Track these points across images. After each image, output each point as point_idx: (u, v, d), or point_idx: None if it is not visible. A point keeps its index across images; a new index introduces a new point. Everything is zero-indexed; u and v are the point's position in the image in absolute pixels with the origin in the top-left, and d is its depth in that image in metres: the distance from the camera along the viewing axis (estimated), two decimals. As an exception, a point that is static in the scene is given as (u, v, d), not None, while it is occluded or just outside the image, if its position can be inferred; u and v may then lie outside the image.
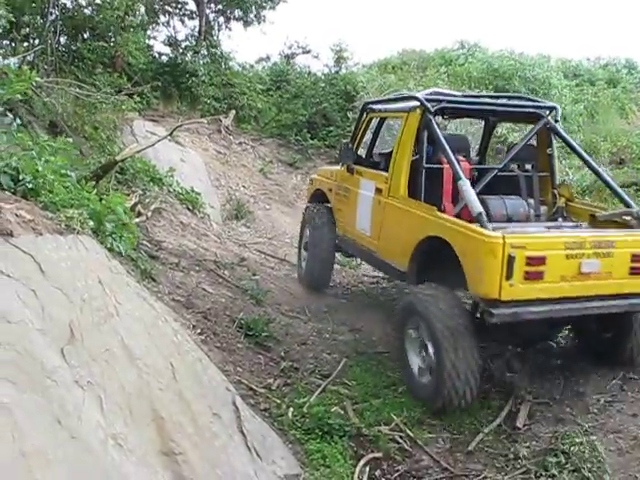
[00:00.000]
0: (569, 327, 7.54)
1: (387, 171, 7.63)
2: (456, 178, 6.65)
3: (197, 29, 20.91)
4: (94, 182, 7.58)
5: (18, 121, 5.31)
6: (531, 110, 7.87)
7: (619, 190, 7.36)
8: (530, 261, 5.71)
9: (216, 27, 21.83)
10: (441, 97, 7.70)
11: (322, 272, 9.42)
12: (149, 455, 3.71)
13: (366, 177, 8.19)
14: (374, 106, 8.72)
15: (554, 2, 45.51)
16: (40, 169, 4.90)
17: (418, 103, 7.30)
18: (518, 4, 49.70)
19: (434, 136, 7.07)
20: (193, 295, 7.31)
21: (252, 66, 21.83)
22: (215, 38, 20.89)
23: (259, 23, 21.93)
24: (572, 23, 48.30)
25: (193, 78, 17.78)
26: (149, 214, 9.18)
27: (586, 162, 7.81)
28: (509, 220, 6.99)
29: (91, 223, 4.94)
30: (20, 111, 7.84)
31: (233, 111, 17.79)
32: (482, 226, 5.97)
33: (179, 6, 21.84)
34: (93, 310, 3.91)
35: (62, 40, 15.11)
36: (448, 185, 7.19)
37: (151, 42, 20.58)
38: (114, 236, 5.79)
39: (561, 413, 6.06)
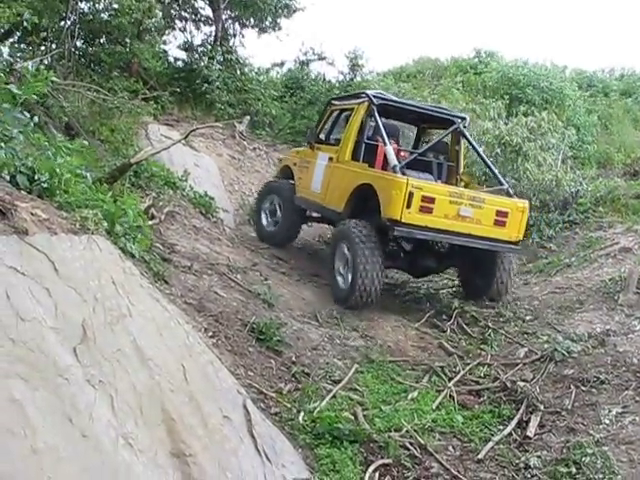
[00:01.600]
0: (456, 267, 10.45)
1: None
2: (384, 144, 9.34)
3: (213, 35, 20.98)
4: (109, 184, 7.61)
5: (35, 120, 5.32)
6: (447, 117, 10.57)
7: (499, 175, 10.25)
8: (424, 198, 8.46)
9: (231, 33, 21.90)
10: (383, 96, 10.40)
11: (290, 231, 11.75)
12: (159, 456, 3.71)
13: (323, 151, 10.77)
14: (335, 102, 11.48)
15: (571, 13, 45.38)
16: (56, 169, 4.92)
17: (366, 97, 10.05)
18: (535, 13, 49.50)
19: (375, 122, 9.78)
20: (205, 298, 7.31)
21: (267, 71, 21.82)
22: (230, 44, 20.93)
23: (275, 30, 21.99)
24: (588, 33, 48.01)
25: (208, 83, 17.80)
26: (162, 217, 9.20)
27: (479, 155, 10.90)
28: None
29: (105, 224, 4.96)
30: (37, 112, 7.86)
31: (247, 117, 17.79)
32: (395, 172, 8.80)
33: (195, 12, 21.94)
34: (106, 310, 3.92)
35: (79, 44, 15.21)
36: (380, 157, 9.78)
37: (167, 47, 20.66)
38: (127, 237, 5.82)
39: (573, 423, 6.01)
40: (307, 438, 5.45)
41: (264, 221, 12.03)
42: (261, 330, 7.06)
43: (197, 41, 21.17)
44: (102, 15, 14.84)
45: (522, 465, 5.48)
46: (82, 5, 14.67)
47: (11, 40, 13.55)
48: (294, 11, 21.54)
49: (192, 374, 4.46)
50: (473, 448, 5.79)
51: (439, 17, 50.96)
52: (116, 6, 13.72)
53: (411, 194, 8.33)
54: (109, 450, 3.25)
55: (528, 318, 9.03)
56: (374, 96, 9.99)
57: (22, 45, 13.96)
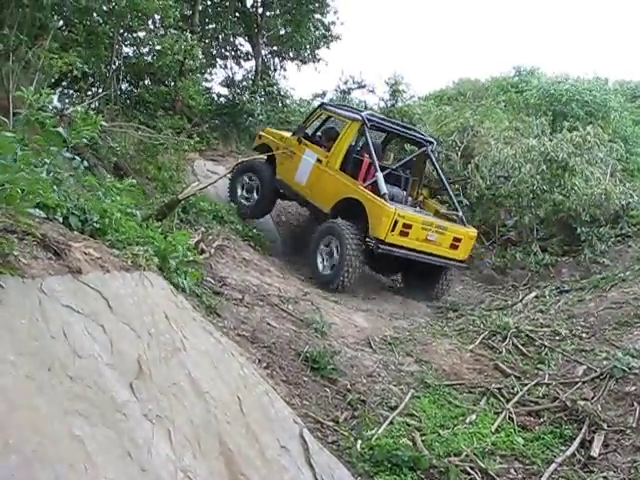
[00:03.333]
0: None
1: (329, 151, 11.97)
2: (375, 169, 11.28)
3: (253, 69, 21.30)
4: (158, 220, 7.73)
5: (85, 164, 5.46)
6: (420, 139, 12.76)
7: (455, 202, 12.28)
8: (404, 225, 10.60)
9: (272, 67, 22.21)
10: (373, 118, 12.23)
11: (267, 204, 13.45)
12: (218, 488, 3.71)
13: (311, 149, 12.34)
14: (327, 107, 13.41)
15: (611, 24, 44.88)
16: (106, 209, 5.02)
17: (360, 117, 11.83)
18: (573, 27, 49.16)
19: (365, 140, 11.78)
20: (258, 329, 7.33)
21: (308, 102, 22.02)
22: (271, 77, 21.22)
23: (314, 62, 22.25)
24: (629, 44, 47.45)
25: (251, 118, 18.03)
26: (212, 251, 9.29)
27: (440, 177, 12.62)
28: (392, 199, 11.22)
29: (156, 260, 5.04)
30: (86, 154, 8.07)
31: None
32: (385, 201, 10.74)
33: (235, 49, 22.34)
34: (160, 344, 3.97)
35: (124, 86, 15.61)
36: (364, 170, 11.79)
37: (209, 84, 21.06)
38: (179, 272, 5.89)
39: (639, 441, 5.83)
40: (366, 466, 5.39)
41: (241, 198, 13.28)
42: (315, 359, 7.04)
43: (238, 77, 21.62)
44: (146, 58, 15.22)
45: (588, 487, 5.34)
46: (126, 49, 15.09)
47: (61, 87, 13.95)
48: (331, 41, 21.82)
49: (248, 405, 4.47)
50: (536, 470, 5.64)
51: (477, 38, 50.98)
52: (159, 47, 14.04)
53: (396, 221, 10.49)
54: (169, 484, 3.27)
55: (585, 335, 8.83)
56: (368, 119, 11.79)
57: (71, 91, 14.38)
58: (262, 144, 13.60)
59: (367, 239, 10.68)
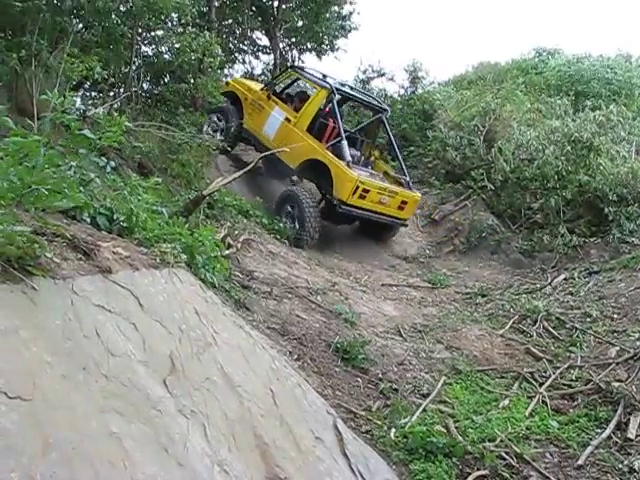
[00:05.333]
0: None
1: (298, 112, 13.36)
2: (339, 135, 12.78)
3: (272, 63, 21.32)
4: (184, 217, 7.77)
5: (112, 164, 5.51)
6: (376, 108, 14.34)
7: (404, 167, 13.98)
8: (363, 190, 12.21)
9: (290, 59, 22.21)
10: (341, 88, 13.55)
11: (234, 141, 14.53)
12: (255, 480, 3.74)
13: (280, 107, 13.73)
14: (297, 70, 14.66)
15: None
16: (133, 208, 5.06)
17: (328, 86, 13.15)
18: (593, 5, 48.44)
19: (332, 107, 13.06)
20: (288, 322, 7.36)
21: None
22: (290, 69, 21.20)
23: (332, 51, 22.23)
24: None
25: (271, 110, 18.02)
26: (239, 245, 9.32)
27: (392, 143, 14.27)
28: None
29: (184, 256, 5.07)
30: (111, 154, 8.12)
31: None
32: (349, 167, 12.31)
33: (253, 43, 22.37)
34: (192, 340, 4.00)
35: (145, 86, 15.67)
36: (328, 133, 13.22)
37: (229, 79, 21.07)
38: (207, 268, 5.92)
39: (675, 421, 5.78)
40: (400, 454, 5.40)
41: (205, 134, 14.19)
42: (345, 349, 7.06)
43: (257, 70, 21.63)
44: (165, 56, 15.27)
45: (626, 469, 5.27)
46: (145, 49, 15.16)
47: (83, 89, 14.07)
48: (349, 31, 21.80)
49: (281, 398, 4.49)
50: (572, 454, 5.61)
51: (497, 20, 50.39)
52: (178, 45, 14.10)
53: (357, 187, 12.11)
54: (205, 478, 3.29)
55: (616, 316, 8.77)
56: (336, 88, 13.25)
57: (92, 93, 14.49)
58: (229, 91, 15.11)
59: (329, 198, 12.71)
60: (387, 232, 13.95)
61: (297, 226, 12.31)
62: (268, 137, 13.63)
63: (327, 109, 13.42)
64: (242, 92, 14.69)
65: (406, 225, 13.90)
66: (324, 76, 13.85)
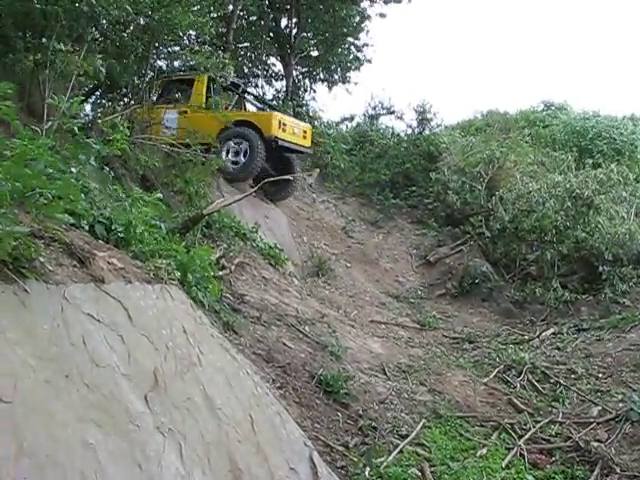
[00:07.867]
0: None
1: (188, 101, 14.76)
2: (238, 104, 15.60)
3: (284, 89, 21.49)
4: (182, 234, 7.78)
5: (112, 174, 5.53)
6: (239, 85, 15.94)
7: (270, 103, 18.23)
8: (283, 124, 14.22)
9: (302, 87, 22.41)
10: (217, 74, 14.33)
11: None
12: (226, 506, 3.71)
13: (167, 110, 14.32)
14: (164, 78, 15.19)
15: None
16: (132, 220, 5.08)
17: (205, 73, 13.97)
18: (606, 63, 48.96)
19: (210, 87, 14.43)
20: (274, 349, 7.34)
21: (337, 125, 22.14)
22: (301, 98, 21.40)
23: (344, 83, 22.45)
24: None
25: (279, 137, 18.15)
26: (233, 268, 9.32)
27: (257, 101, 17.65)
28: None
29: (178, 273, 5.07)
30: (115, 165, 8.16)
31: (317, 170, 18.02)
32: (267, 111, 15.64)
33: (267, 67, 22.58)
34: (177, 358, 3.99)
35: (155, 98, 15.76)
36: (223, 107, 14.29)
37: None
38: (199, 287, 5.92)
39: (652, 487, 5.76)
40: (373, 494, 5.37)
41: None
42: (328, 382, 7.04)
43: (269, 96, 21.78)
44: (178, 72, 15.42)
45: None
46: (159, 62, 15.28)
47: (94, 96, 14.18)
48: (362, 64, 22.03)
49: (260, 425, 4.47)
50: (545, 509, 5.59)
51: (508, 70, 50.94)
52: (192, 63, 14.22)
53: (279, 121, 14.20)
54: (177, 498, 3.27)
55: (601, 375, 8.76)
56: (211, 76, 14.26)
57: (103, 100, 14.57)
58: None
59: (266, 138, 13.96)
60: (285, 189, 15.29)
61: (242, 159, 13.92)
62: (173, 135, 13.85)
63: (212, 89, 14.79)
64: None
65: (310, 152, 16.47)
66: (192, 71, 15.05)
